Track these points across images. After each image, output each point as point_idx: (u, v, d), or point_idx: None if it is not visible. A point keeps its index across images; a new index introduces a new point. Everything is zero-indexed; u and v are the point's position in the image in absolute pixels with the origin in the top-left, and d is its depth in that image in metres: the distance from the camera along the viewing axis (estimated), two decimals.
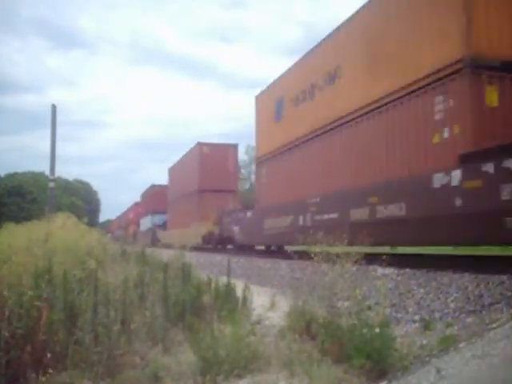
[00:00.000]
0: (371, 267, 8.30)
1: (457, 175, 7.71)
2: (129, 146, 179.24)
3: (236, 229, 19.11)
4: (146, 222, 43.32)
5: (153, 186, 42.53)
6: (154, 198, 40.25)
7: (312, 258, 5.38)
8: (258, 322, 6.02)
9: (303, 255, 6.49)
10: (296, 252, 8.64)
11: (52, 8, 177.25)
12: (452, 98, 8.28)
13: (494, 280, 6.25)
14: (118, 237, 47.64)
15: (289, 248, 13.44)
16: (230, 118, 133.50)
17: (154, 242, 32.18)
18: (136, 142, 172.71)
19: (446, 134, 8.36)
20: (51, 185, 16.76)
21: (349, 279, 4.93)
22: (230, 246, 21.30)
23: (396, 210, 9.19)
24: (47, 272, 4.89)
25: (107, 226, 71.34)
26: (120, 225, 63.94)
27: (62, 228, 10.41)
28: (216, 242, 22.91)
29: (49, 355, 4.21)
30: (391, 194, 9.41)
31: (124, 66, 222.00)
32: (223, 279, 7.07)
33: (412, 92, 9.18)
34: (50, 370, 4.05)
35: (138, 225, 47.63)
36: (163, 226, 36.76)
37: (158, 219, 38.71)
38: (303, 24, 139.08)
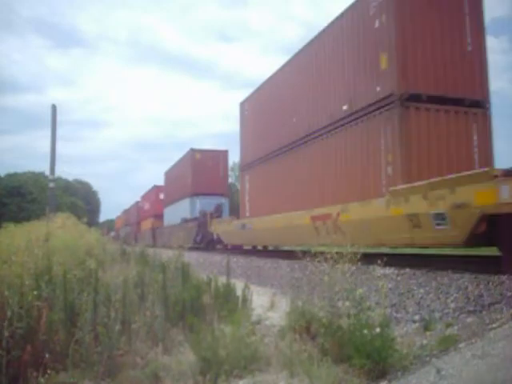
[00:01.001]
0: (371, 267, 8.28)
1: None
2: (129, 146, 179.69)
3: None
4: (179, 211, 28.42)
5: (193, 151, 27.08)
6: (197, 172, 26.02)
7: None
8: (258, 322, 6.02)
9: None
10: None
11: (52, 7, 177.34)
12: None
13: (494, 280, 6.25)
14: (125, 236, 42.61)
15: None
16: (231, 117, 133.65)
17: (210, 245, 21.06)
18: (136, 142, 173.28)
19: None
20: (51, 185, 16.69)
21: (349, 279, 4.93)
22: None
23: None
24: (47, 272, 4.89)
25: (107, 226, 70.12)
26: (128, 221, 52.23)
27: (61, 228, 10.41)
28: None
29: (49, 355, 4.21)
30: None
31: (124, 65, 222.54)
32: (223, 279, 7.07)
33: None
34: (50, 370, 4.05)
35: (159, 218, 35.17)
36: (216, 213, 23.22)
37: (205, 204, 24.91)
38: (304, 23, 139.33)
